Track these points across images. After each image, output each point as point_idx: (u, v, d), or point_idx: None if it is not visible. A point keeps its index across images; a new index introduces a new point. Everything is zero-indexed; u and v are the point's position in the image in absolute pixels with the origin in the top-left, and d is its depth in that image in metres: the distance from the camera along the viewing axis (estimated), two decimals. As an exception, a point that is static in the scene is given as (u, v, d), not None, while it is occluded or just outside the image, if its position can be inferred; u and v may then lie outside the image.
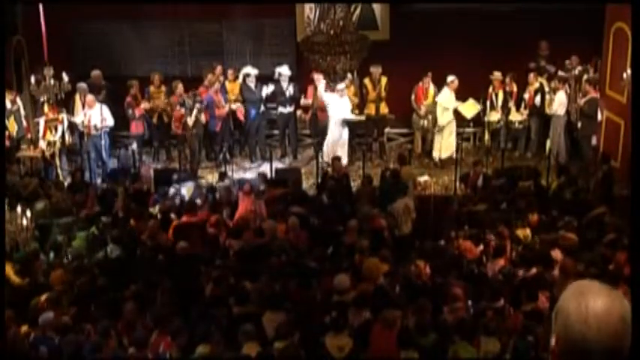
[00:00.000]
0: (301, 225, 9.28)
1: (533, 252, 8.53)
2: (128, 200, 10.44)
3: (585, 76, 12.89)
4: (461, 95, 13.22)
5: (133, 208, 10.10)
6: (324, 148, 12.60)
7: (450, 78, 12.82)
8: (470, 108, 12.94)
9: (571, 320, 1.73)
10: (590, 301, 1.73)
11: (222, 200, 10.60)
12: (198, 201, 10.45)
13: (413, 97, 13.23)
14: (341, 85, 12.34)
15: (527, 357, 6.27)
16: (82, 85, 12.90)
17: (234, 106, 13.01)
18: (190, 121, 12.35)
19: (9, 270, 8.24)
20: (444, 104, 12.82)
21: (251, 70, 13.19)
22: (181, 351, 6.57)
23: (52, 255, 9.12)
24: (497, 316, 6.95)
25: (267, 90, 13.10)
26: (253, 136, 13.38)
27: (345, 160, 12.11)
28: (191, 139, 12.50)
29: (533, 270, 7.86)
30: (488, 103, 13.22)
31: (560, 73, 13.15)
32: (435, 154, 13.07)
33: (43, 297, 7.59)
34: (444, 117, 12.83)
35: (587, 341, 1.70)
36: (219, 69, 13.37)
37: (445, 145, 12.90)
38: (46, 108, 12.13)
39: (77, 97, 12.90)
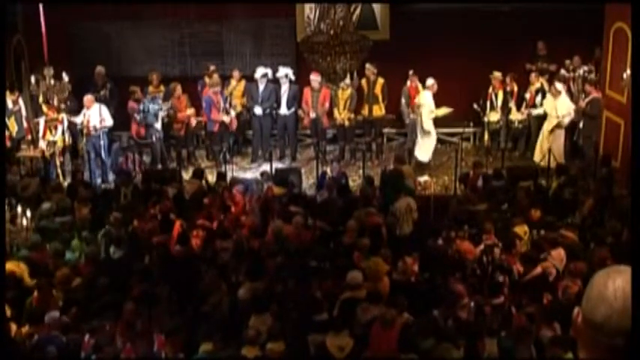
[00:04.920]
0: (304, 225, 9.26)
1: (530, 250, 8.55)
2: (129, 201, 10.42)
3: (580, 74, 12.88)
4: (460, 95, 13.23)
5: (134, 208, 10.09)
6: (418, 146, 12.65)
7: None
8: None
9: (594, 293, 1.71)
10: (617, 277, 1.70)
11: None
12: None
13: (405, 100, 13.21)
14: (431, 81, 12.48)
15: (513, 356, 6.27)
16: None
17: (229, 116, 12.85)
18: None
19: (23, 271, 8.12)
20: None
21: (268, 71, 13.17)
22: (180, 351, 6.56)
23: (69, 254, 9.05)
24: (496, 313, 6.94)
25: (271, 92, 13.09)
26: (258, 136, 13.35)
27: (427, 158, 12.45)
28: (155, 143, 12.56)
29: (539, 269, 7.86)
30: (488, 103, 13.22)
31: (560, 72, 13.14)
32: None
33: (35, 294, 7.57)
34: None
35: (611, 313, 1.67)
36: (212, 68, 13.39)
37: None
38: (44, 108, 12.09)
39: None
